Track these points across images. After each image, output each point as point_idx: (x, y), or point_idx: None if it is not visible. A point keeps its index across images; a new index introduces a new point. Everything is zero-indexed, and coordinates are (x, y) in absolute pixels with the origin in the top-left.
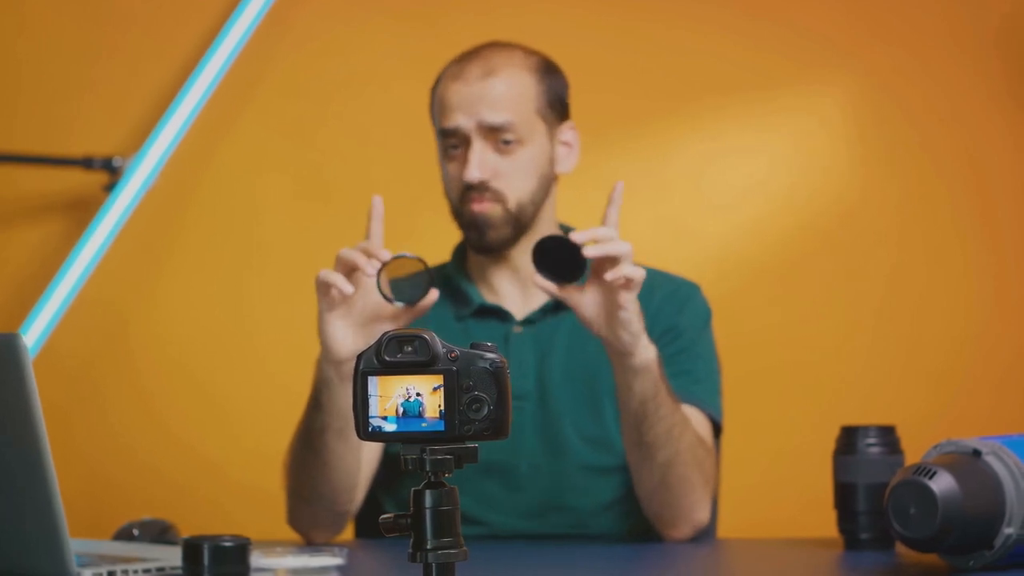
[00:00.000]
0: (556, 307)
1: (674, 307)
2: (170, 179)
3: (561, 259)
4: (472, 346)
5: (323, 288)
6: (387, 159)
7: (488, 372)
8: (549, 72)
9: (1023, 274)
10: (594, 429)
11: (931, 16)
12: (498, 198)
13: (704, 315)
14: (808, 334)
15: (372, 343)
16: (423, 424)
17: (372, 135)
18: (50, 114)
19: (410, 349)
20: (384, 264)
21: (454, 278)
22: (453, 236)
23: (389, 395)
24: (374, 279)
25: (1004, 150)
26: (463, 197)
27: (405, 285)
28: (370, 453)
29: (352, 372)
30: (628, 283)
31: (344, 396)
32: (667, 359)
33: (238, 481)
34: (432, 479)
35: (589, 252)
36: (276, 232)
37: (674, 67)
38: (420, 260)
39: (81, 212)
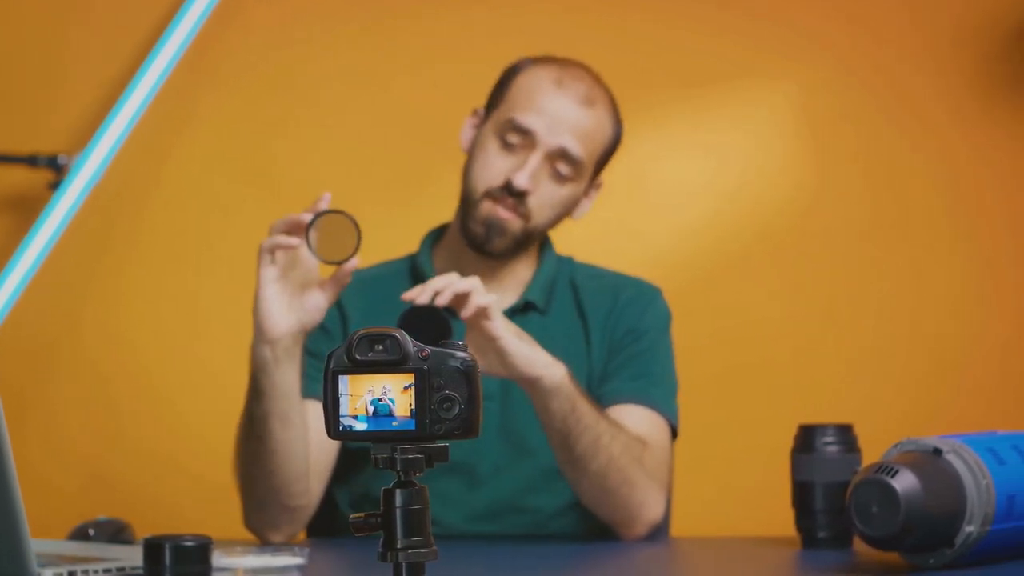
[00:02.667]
0: (524, 307)
1: (637, 309)
2: (116, 177)
3: (425, 326)
4: (442, 345)
5: (267, 256)
6: (340, 155)
7: (459, 371)
8: (619, 124)
9: (983, 270)
10: None
11: (885, 9)
12: (526, 215)
13: (665, 319)
14: (763, 334)
15: (307, 321)
16: (394, 423)
17: (326, 132)
18: None
19: (381, 348)
20: (317, 216)
21: (422, 270)
22: (410, 233)
23: (359, 394)
24: (304, 247)
25: (960, 145)
26: (493, 193)
27: (332, 239)
28: (326, 450)
29: (288, 350)
30: (484, 311)
31: (283, 377)
32: (625, 360)
33: (193, 480)
34: (402, 478)
35: (439, 300)
36: (225, 229)
37: (618, 61)
38: (352, 220)
39: (25, 211)
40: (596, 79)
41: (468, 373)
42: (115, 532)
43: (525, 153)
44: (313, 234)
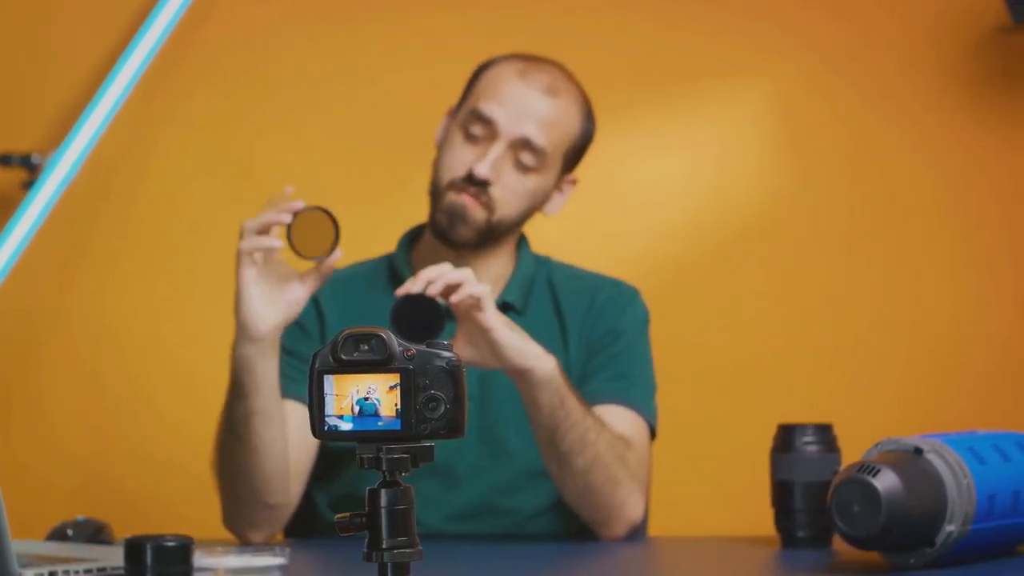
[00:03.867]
0: (503, 307)
1: (616, 310)
2: (90, 176)
3: (419, 315)
4: (428, 345)
5: (246, 259)
6: (322, 153)
7: (445, 371)
8: (590, 120)
9: (952, 269)
10: None
11: (862, 6)
12: (488, 205)
13: (643, 319)
14: (741, 335)
15: (290, 314)
16: (379, 423)
17: (306, 130)
18: None
19: (366, 348)
20: (296, 213)
21: (399, 270)
22: (386, 234)
23: (345, 394)
24: (287, 233)
25: (940, 141)
26: (456, 183)
27: (311, 237)
28: (303, 442)
29: (272, 345)
30: (477, 302)
31: (265, 374)
32: (605, 361)
33: (177, 479)
34: (388, 478)
35: (431, 290)
36: (201, 229)
37: (594, 59)
38: (330, 215)
39: None
40: (565, 73)
41: (454, 373)
42: (94, 532)
43: (488, 143)
44: (294, 232)
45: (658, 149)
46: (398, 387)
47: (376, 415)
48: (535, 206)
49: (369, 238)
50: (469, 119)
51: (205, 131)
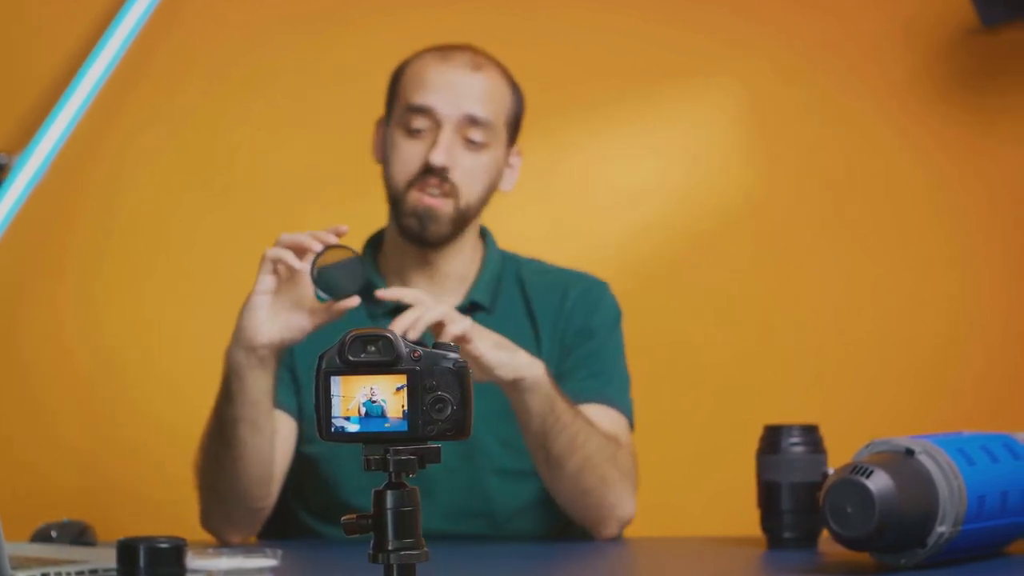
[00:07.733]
0: (470, 307)
1: (587, 307)
2: (59, 176)
3: (342, 274)
4: (435, 346)
5: (269, 265)
6: (301, 155)
7: (451, 372)
8: (517, 90)
9: (936, 270)
10: (509, 432)
11: (835, 4)
12: (452, 192)
13: (615, 314)
14: (721, 335)
15: (288, 338)
16: (386, 424)
17: (275, 129)
18: None
19: (373, 349)
20: (327, 248)
21: (368, 276)
22: (359, 232)
23: (352, 395)
24: (311, 262)
25: (913, 141)
26: (415, 181)
27: (336, 276)
28: (283, 447)
29: (263, 359)
30: (463, 338)
31: (255, 383)
32: (580, 360)
33: (154, 482)
34: (393, 480)
35: (412, 335)
36: (172, 231)
37: (565, 60)
38: (359, 257)
39: None
40: (482, 52)
41: (460, 374)
42: (78, 534)
43: (433, 134)
44: (319, 265)
45: (633, 148)
46: (405, 388)
47: (383, 416)
48: (493, 184)
49: (355, 239)
50: (406, 117)
51: (184, 130)
